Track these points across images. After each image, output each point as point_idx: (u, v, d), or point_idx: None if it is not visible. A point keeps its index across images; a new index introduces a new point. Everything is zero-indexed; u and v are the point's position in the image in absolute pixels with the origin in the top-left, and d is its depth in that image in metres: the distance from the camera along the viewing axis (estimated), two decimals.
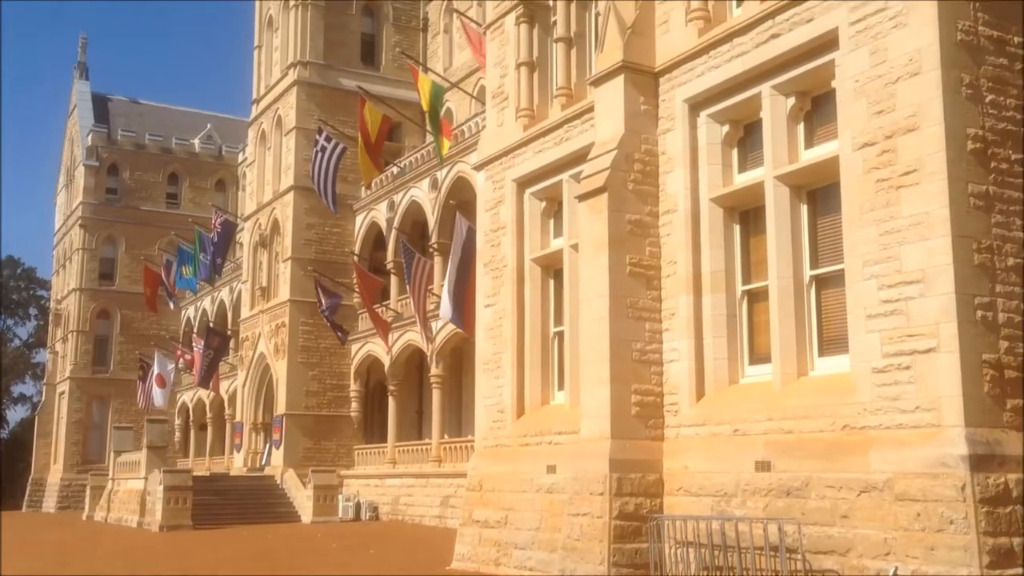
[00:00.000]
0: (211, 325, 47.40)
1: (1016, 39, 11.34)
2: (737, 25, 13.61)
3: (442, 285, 33.89)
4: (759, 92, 13.43)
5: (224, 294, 50.21)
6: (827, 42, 12.25)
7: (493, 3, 19.62)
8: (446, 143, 29.18)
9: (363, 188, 39.58)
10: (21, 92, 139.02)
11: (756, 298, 13.82)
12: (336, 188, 34.28)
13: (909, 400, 10.74)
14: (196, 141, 65.22)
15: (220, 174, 65.37)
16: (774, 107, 13.27)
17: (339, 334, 37.18)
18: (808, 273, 12.98)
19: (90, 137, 63.25)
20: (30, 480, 63.82)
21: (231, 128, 65.37)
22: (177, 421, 55.03)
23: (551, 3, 18.11)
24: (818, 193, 13.06)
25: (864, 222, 11.47)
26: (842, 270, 12.06)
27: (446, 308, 28.14)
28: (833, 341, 12.57)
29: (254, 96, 46.48)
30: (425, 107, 28.45)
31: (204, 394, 49.90)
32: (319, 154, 33.86)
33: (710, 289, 14.06)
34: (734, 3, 14.43)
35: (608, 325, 14.20)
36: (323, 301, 36.65)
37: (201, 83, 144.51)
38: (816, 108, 13.14)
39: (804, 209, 13.16)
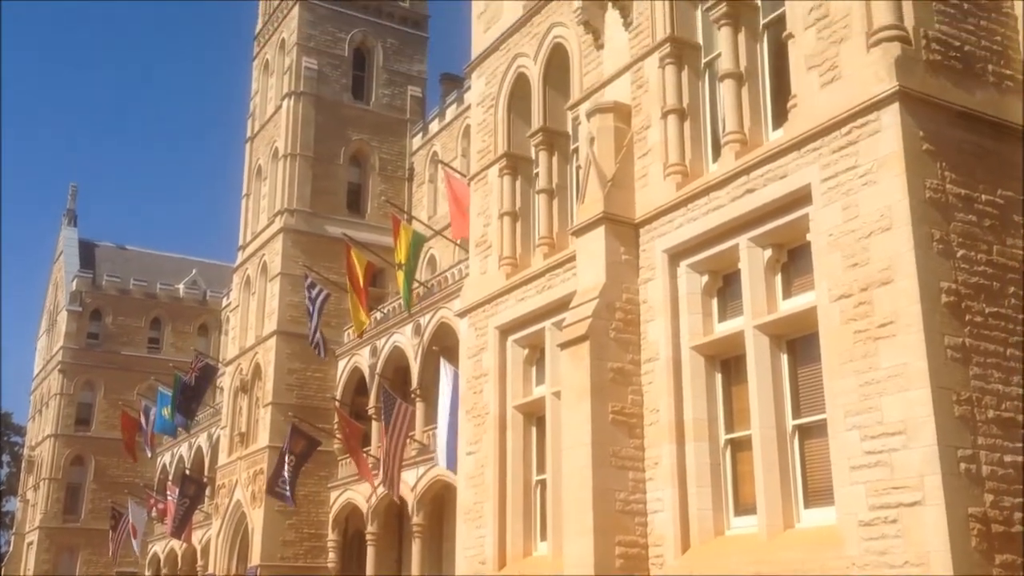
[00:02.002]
0: (187, 472, 46.56)
1: (983, 197, 11.71)
2: (713, 180, 14.01)
3: (424, 431, 33.62)
4: (736, 244, 13.70)
5: (202, 440, 49.50)
6: (801, 197, 12.60)
7: (477, 155, 20.19)
8: (412, 299, 29.70)
9: (346, 333, 39.64)
10: (4, 239, 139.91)
11: (740, 447, 13.73)
12: (319, 333, 34.44)
13: (897, 555, 10.55)
14: (181, 286, 65.62)
15: (203, 319, 65.54)
16: (751, 258, 13.53)
17: (287, 493, 35.53)
18: (790, 423, 12.94)
19: (75, 282, 63.57)
20: None
21: (216, 273, 65.95)
22: (147, 573, 53.22)
23: (533, 156, 18.65)
24: (798, 343, 13.16)
25: (844, 372, 11.53)
26: (824, 420, 12.04)
27: (441, 453, 27.81)
28: (818, 492, 12.43)
29: (240, 242, 47.11)
30: (401, 259, 28.82)
31: (177, 544, 48.49)
32: (307, 300, 34.26)
33: (693, 438, 13.97)
34: (710, 159, 14.90)
35: (591, 474, 14.01)
36: (286, 453, 35.37)
37: (189, 229, 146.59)
38: (793, 259, 13.40)
39: (784, 358, 13.24)
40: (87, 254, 66.87)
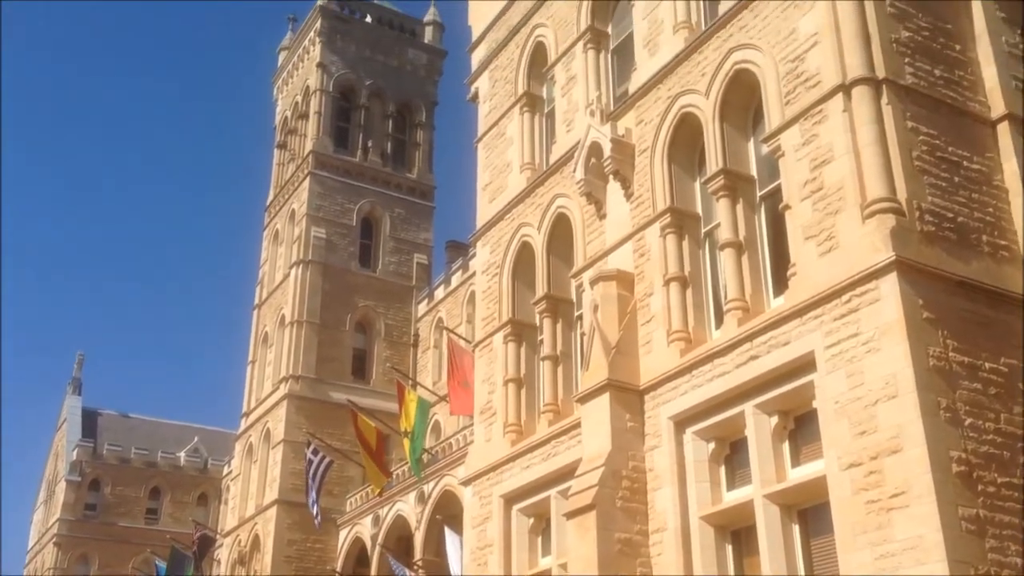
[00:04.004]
0: None
1: (987, 365, 11.70)
2: (717, 347, 14.06)
3: None
4: (742, 411, 13.61)
5: None
6: (805, 364, 12.61)
7: (482, 322, 20.35)
8: (418, 468, 29.32)
9: (348, 501, 38.92)
10: (7, 409, 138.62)
11: None
12: (320, 502, 33.82)
13: None
14: (182, 454, 64.82)
15: (203, 487, 64.40)
16: (758, 425, 13.41)
17: None
18: None
19: (76, 452, 62.84)
20: None
21: (218, 441, 65.27)
22: None
23: (537, 323, 18.79)
24: (809, 512, 12.87)
25: (858, 545, 11.22)
26: None
27: None
28: None
29: (244, 409, 46.89)
30: (407, 426, 28.57)
31: None
32: (307, 467, 33.77)
33: None
34: (713, 326, 15.00)
35: None
36: None
37: (193, 396, 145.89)
38: (800, 426, 13.26)
39: (796, 529, 12.91)
40: (90, 422, 66.33)
